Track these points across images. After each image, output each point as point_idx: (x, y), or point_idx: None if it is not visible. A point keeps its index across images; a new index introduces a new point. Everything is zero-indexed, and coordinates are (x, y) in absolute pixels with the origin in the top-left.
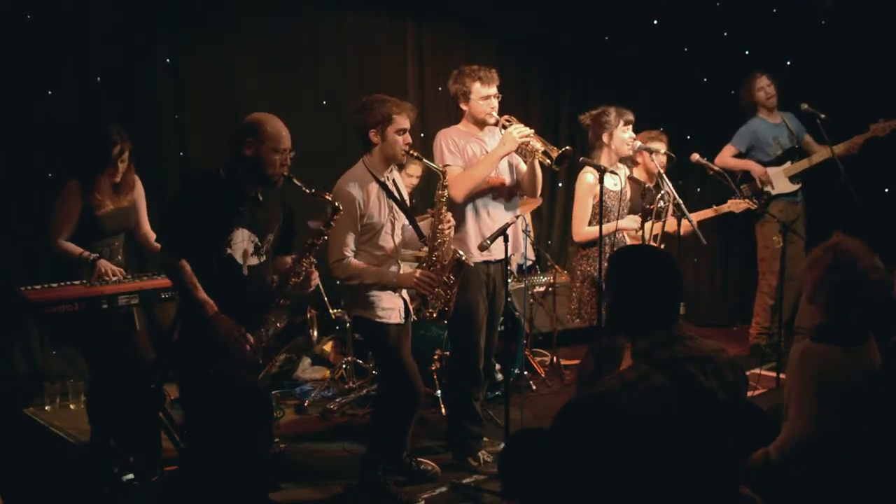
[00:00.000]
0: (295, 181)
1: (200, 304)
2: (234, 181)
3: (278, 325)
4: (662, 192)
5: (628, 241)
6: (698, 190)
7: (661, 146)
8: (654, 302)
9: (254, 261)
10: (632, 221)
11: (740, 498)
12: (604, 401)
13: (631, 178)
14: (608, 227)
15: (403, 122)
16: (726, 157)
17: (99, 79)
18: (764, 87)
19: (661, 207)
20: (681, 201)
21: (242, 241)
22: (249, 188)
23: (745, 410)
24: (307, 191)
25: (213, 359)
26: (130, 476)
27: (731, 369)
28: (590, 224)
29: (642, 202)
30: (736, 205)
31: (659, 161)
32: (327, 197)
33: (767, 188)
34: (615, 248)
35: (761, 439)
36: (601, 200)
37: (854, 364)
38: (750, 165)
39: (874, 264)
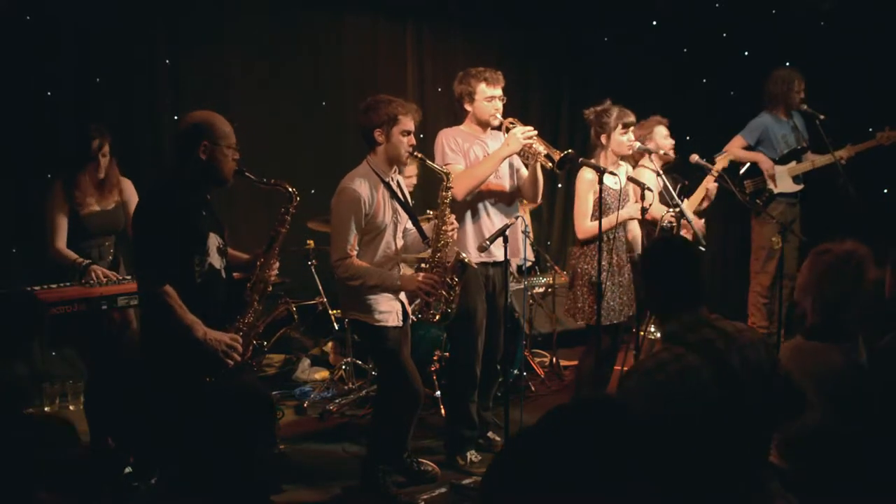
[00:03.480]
0: (247, 175)
1: (188, 326)
2: (193, 188)
3: (259, 325)
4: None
5: (629, 238)
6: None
7: (662, 129)
8: (678, 287)
9: (224, 263)
10: (633, 210)
11: (768, 469)
12: (642, 380)
13: (658, 174)
14: (609, 220)
15: (408, 123)
16: (734, 149)
17: (99, 79)
18: (802, 89)
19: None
20: (682, 204)
21: (214, 246)
22: (206, 191)
23: (774, 385)
24: (262, 183)
25: (204, 373)
26: (129, 469)
27: (755, 348)
28: (591, 220)
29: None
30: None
31: (670, 141)
32: (286, 187)
33: (770, 186)
34: (614, 245)
35: (790, 411)
36: (600, 200)
37: (845, 361)
38: (759, 158)
39: (871, 267)
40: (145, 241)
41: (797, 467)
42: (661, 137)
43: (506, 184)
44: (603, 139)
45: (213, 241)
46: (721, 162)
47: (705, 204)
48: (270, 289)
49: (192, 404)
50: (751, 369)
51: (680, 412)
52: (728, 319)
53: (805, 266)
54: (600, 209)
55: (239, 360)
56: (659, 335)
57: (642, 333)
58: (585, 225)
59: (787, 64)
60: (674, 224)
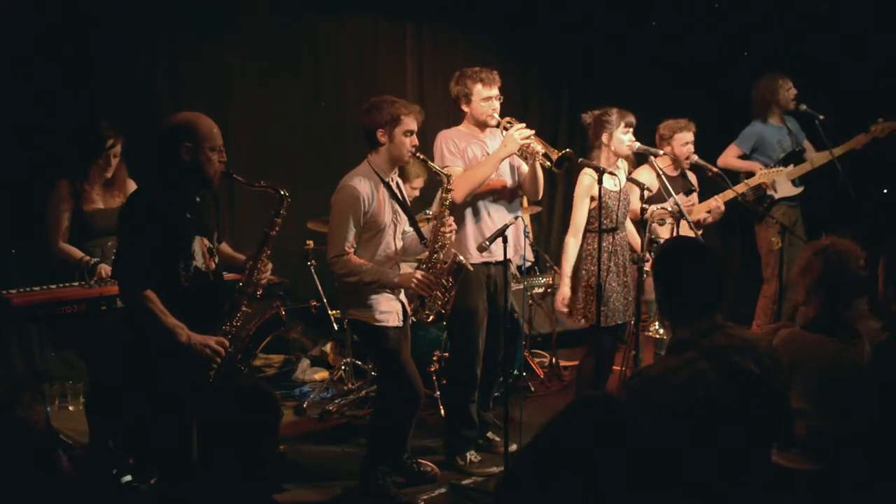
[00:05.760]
0: (235, 177)
1: (171, 330)
2: (176, 191)
3: (250, 329)
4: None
5: (628, 241)
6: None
7: (685, 136)
8: (694, 291)
9: (212, 264)
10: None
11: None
12: (646, 386)
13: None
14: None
15: (411, 123)
16: (729, 158)
17: (98, 79)
18: (790, 88)
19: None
20: (681, 205)
21: (200, 248)
22: (190, 193)
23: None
24: (251, 186)
25: (190, 376)
26: (129, 477)
27: (770, 358)
28: (589, 226)
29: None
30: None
31: (687, 149)
32: (277, 190)
33: (770, 192)
34: (616, 249)
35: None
36: (600, 201)
37: (845, 354)
38: (755, 168)
39: (863, 264)
40: (125, 244)
41: (817, 469)
42: (680, 145)
43: (506, 181)
44: (605, 138)
45: (199, 243)
46: (741, 188)
47: (709, 219)
48: (261, 292)
49: (180, 406)
50: (767, 375)
51: (687, 417)
52: (741, 327)
53: (799, 265)
54: (600, 211)
55: (222, 360)
56: (663, 334)
57: (647, 333)
58: (578, 238)
59: (785, 65)
60: (664, 221)
